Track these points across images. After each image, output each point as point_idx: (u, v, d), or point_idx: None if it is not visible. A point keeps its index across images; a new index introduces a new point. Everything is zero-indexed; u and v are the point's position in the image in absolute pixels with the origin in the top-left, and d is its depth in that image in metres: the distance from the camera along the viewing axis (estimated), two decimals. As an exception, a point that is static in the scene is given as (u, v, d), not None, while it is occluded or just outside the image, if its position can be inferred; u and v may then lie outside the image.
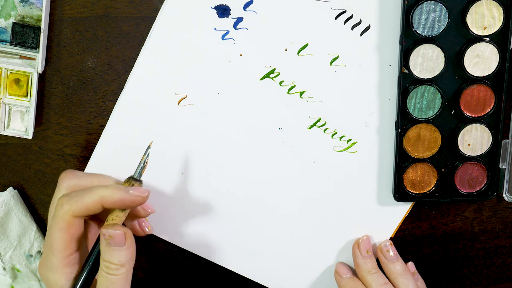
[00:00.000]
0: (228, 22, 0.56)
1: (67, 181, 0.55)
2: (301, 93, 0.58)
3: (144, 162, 0.53)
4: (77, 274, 0.53)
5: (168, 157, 0.60)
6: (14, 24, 0.57)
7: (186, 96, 0.58)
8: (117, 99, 0.59)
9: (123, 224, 0.54)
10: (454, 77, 0.56)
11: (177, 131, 0.59)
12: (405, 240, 0.63)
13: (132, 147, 0.59)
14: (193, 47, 0.57)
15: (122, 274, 0.51)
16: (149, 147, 0.54)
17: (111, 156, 0.60)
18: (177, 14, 0.56)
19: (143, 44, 0.58)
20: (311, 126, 0.59)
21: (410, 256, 0.63)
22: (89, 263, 0.53)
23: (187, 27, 0.56)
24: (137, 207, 0.54)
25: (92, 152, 0.61)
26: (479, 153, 0.58)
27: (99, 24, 0.58)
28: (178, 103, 0.58)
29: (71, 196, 0.52)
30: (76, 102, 0.60)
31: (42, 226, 0.64)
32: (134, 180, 0.52)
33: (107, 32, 0.58)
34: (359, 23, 0.56)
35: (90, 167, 0.60)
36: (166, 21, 0.56)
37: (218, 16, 0.56)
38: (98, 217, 0.57)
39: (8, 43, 0.58)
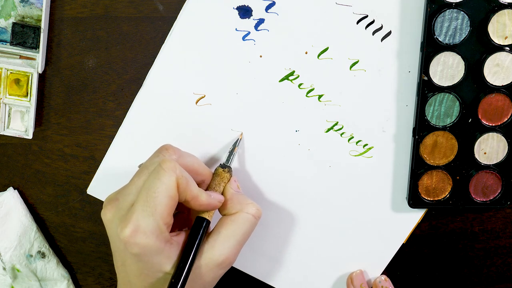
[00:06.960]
0: (249, 23, 0.56)
1: (172, 154, 0.52)
2: (320, 97, 0.58)
3: (233, 151, 0.57)
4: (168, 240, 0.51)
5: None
6: (14, 24, 0.57)
7: (204, 96, 0.58)
8: (117, 99, 0.59)
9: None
10: (473, 86, 0.57)
11: (194, 130, 0.59)
12: (406, 241, 0.63)
13: (148, 144, 0.59)
14: (213, 47, 0.57)
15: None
16: (240, 138, 0.58)
17: (126, 154, 0.59)
18: (198, 13, 0.56)
19: (143, 44, 0.58)
20: (328, 130, 0.59)
21: (410, 256, 0.63)
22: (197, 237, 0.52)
23: (208, 27, 0.56)
24: None
25: (92, 152, 0.60)
26: (494, 162, 0.58)
27: (99, 24, 0.58)
28: (196, 103, 0.58)
29: (182, 170, 0.50)
30: (76, 102, 0.60)
31: (42, 226, 0.64)
32: (225, 166, 0.56)
33: (107, 32, 0.58)
34: (380, 28, 0.56)
35: (104, 164, 0.60)
36: (187, 19, 0.56)
37: (240, 17, 0.56)
38: None
39: (8, 43, 0.58)
